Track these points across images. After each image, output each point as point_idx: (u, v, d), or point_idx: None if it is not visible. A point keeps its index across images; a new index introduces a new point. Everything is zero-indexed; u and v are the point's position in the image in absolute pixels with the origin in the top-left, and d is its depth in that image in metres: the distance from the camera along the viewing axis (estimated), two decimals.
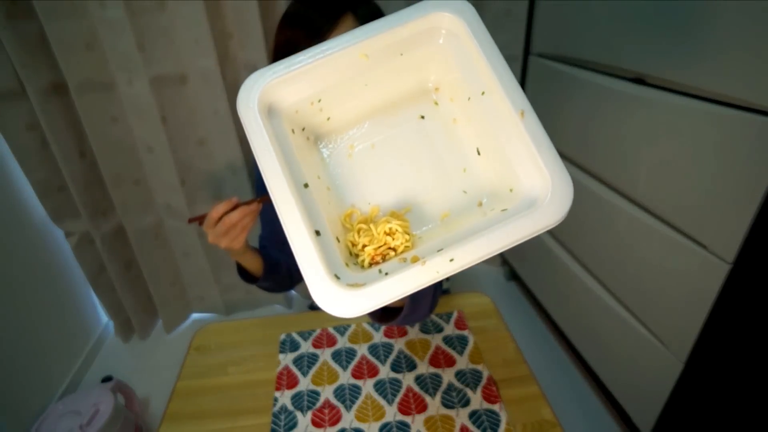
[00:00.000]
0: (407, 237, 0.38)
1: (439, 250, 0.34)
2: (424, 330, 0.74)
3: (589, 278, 1.15)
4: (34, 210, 1.36)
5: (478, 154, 0.39)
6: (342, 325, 0.76)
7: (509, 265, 1.73)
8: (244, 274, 0.73)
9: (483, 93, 0.36)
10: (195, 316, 1.76)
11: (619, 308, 1.04)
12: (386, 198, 0.41)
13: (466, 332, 0.73)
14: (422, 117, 0.41)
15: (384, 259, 0.38)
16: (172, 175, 1.37)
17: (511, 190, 0.36)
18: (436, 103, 0.40)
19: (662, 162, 0.85)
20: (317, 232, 0.36)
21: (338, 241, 0.39)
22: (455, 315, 0.76)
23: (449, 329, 0.73)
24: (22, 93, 1.18)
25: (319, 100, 0.39)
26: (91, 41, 1.18)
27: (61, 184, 1.33)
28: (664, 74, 0.83)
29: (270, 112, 0.37)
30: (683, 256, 0.83)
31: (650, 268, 0.92)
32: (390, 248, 0.38)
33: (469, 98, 0.38)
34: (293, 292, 1.82)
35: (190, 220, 0.61)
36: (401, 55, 0.38)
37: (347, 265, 0.37)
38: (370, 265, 0.38)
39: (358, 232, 0.40)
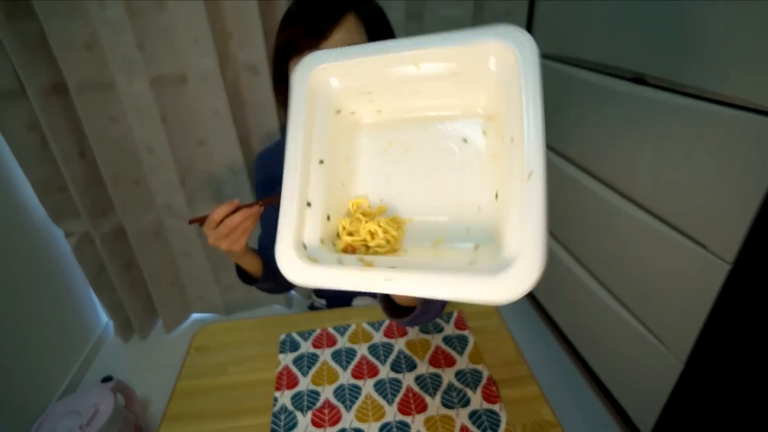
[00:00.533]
0: (386, 244, 0.39)
1: (390, 267, 0.33)
2: (424, 330, 0.74)
3: (589, 278, 1.15)
4: (34, 210, 1.36)
5: (496, 198, 0.37)
6: (342, 325, 0.76)
7: None
8: (243, 275, 0.73)
9: (512, 139, 0.33)
10: (195, 316, 1.76)
11: (619, 308, 1.04)
12: (399, 201, 0.41)
13: (466, 332, 0.73)
14: (465, 141, 0.40)
15: (354, 252, 0.40)
16: (172, 175, 1.37)
17: (499, 247, 0.34)
18: (485, 133, 0.39)
19: (662, 162, 0.85)
20: (308, 204, 0.38)
21: (328, 219, 0.40)
22: (455, 315, 0.76)
23: (449, 329, 0.73)
24: (21, 93, 1.18)
25: (370, 92, 0.40)
26: (91, 41, 1.18)
27: (61, 184, 1.33)
28: (664, 74, 0.83)
29: (321, 91, 0.39)
30: (683, 256, 0.83)
31: (650, 268, 0.92)
32: (366, 245, 0.39)
33: (503, 139, 0.36)
34: (293, 292, 1.82)
35: (191, 222, 0.61)
36: (455, 74, 0.37)
37: (322, 241, 0.39)
38: (343, 251, 0.40)
39: (352, 221, 0.41)
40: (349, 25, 0.58)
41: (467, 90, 0.39)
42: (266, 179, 0.81)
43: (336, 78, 0.39)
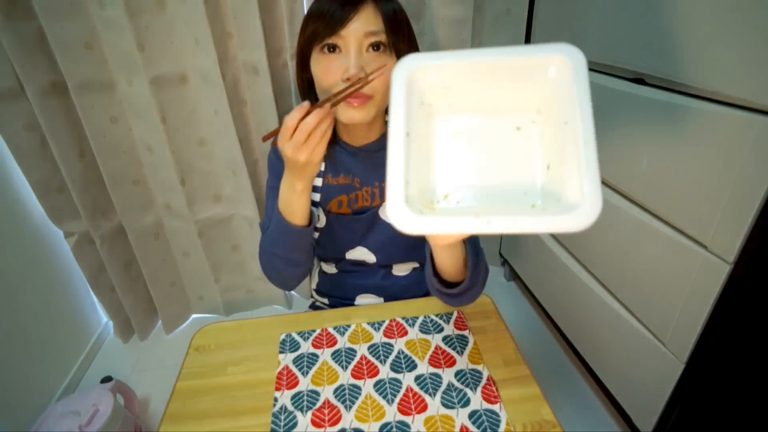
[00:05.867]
0: None
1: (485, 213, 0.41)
2: (424, 330, 0.74)
3: (590, 278, 1.15)
4: (33, 210, 1.36)
5: (548, 169, 0.47)
6: (342, 325, 0.76)
7: (509, 265, 1.73)
8: (286, 233, 0.69)
9: (566, 123, 0.44)
10: (195, 316, 1.76)
11: (619, 308, 1.04)
12: (463, 174, 0.50)
13: (466, 332, 0.73)
14: (518, 129, 0.49)
15: None
16: (172, 175, 1.37)
17: (558, 200, 0.44)
18: (534, 122, 0.49)
19: (662, 162, 0.85)
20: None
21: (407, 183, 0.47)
22: (455, 315, 0.76)
23: (449, 329, 0.73)
24: (21, 93, 1.18)
25: (448, 89, 0.49)
26: (90, 41, 1.18)
27: (60, 184, 1.33)
28: (664, 74, 0.83)
29: (413, 84, 0.48)
30: (683, 256, 0.83)
31: (650, 268, 0.92)
32: None
33: (555, 125, 0.46)
34: (293, 292, 1.82)
35: (265, 138, 0.59)
36: (519, 76, 0.47)
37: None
38: None
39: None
40: (367, 13, 0.62)
41: (524, 90, 0.48)
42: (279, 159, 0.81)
43: (427, 75, 0.48)
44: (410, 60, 0.47)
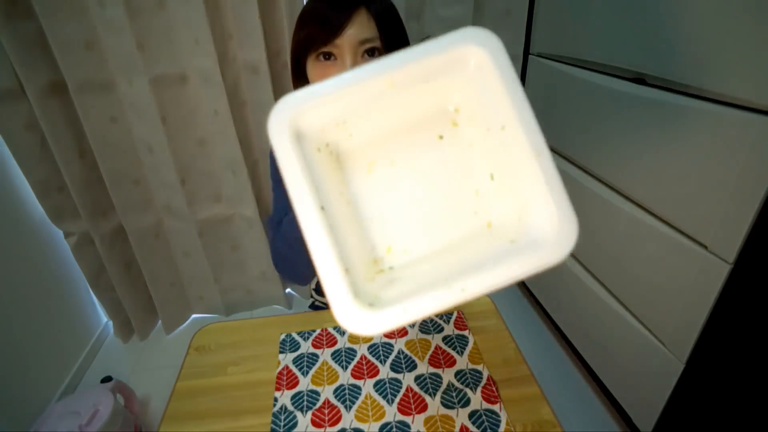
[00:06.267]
0: None
1: (449, 277, 0.34)
2: (424, 330, 0.74)
3: (590, 278, 1.15)
4: (33, 210, 1.36)
5: (492, 179, 0.40)
6: None
7: None
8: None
9: (503, 128, 0.37)
10: (195, 316, 1.76)
11: (619, 308, 1.04)
12: (399, 213, 0.41)
13: (466, 332, 0.73)
14: (441, 137, 0.41)
15: None
16: (172, 175, 1.37)
17: (519, 219, 0.37)
18: (455, 124, 0.41)
19: (662, 162, 0.85)
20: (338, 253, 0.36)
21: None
22: (455, 315, 0.76)
23: (449, 329, 0.73)
24: (21, 93, 1.18)
25: (345, 122, 0.40)
26: (90, 41, 1.18)
27: (60, 184, 1.33)
28: (664, 74, 0.83)
29: (299, 135, 0.38)
30: (683, 256, 0.83)
31: (651, 268, 0.92)
32: None
33: (488, 129, 0.39)
34: (293, 292, 1.82)
35: None
36: (426, 82, 0.39)
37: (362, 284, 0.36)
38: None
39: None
40: (361, 20, 0.61)
41: (436, 94, 0.40)
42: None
43: (313, 117, 0.39)
44: (286, 107, 0.37)
